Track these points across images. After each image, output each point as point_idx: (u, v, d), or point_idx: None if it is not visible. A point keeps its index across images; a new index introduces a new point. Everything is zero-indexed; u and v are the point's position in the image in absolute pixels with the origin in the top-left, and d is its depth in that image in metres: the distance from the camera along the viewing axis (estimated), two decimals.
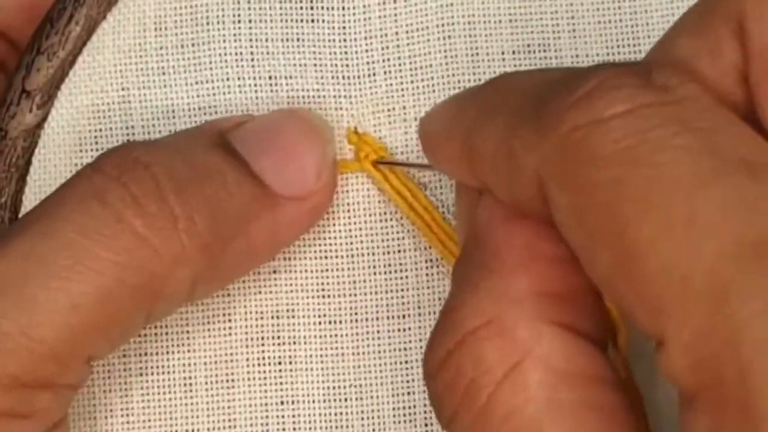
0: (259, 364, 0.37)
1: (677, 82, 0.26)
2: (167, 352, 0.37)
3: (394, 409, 0.37)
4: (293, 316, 0.37)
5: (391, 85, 0.37)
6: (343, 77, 0.37)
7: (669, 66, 0.27)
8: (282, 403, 0.37)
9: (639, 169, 0.25)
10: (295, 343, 0.37)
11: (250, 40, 0.38)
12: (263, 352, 0.37)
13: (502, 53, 0.37)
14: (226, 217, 0.33)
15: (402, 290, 0.37)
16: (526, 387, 0.28)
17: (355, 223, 0.37)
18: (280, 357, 0.37)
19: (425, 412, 0.37)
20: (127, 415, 0.37)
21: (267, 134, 0.35)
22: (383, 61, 0.37)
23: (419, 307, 0.37)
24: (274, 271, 0.37)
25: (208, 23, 0.38)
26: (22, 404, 0.31)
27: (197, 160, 0.34)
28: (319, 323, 0.37)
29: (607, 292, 0.26)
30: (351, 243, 0.37)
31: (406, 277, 0.37)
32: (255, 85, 0.38)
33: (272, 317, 0.37)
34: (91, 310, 0.32)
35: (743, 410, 0.23)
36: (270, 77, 0.38)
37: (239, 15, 0.38)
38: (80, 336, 0.32)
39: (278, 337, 0.37)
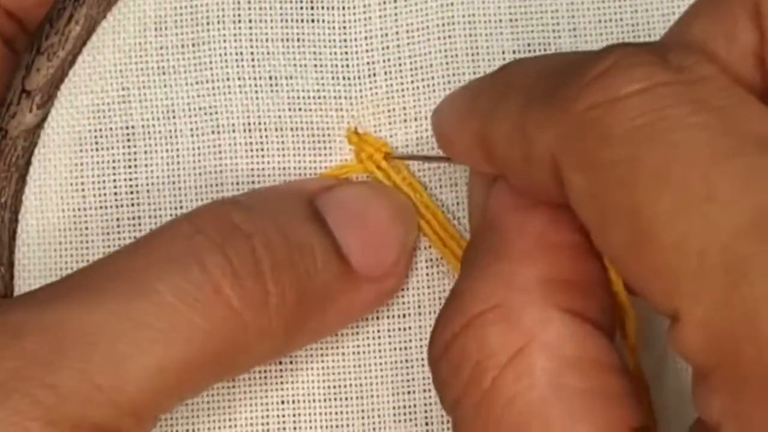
0: None
1: (693, 62, 0.26)
2: None
3: (394, 408, 0.37)
4: None
5: (391, 85, 0.37)
6: (344, 77, 0.37)
7: (685, 47, 0.27)
8: (282, 402, 0.37)
9: (655, 146, 0.25)
10: None
11: (251, 40, 0.37)
12: None
13: (503, 53, 0.37)
14: (311, 295, 0.34)
15: (402, 289, 0.37)
16: (531, 372, 0.28)
17: None
18: None
19: (425, 411, 0.37)
20: None
21: (356, 210, 0.35)
22: (383, 61, 0.37)
23: (419, 307, 0.37)
24: None
25: (208, 23, 0.38)
26: None
27: (292, 233, 0.34)
28: None
29: (622, 270, 0.26)
30: None
31: (407, 276, 0.37)
32: (255, 85, 0.38)
33: None
34: (175, 375, 0.32)
35: (762, 388, 0.23)
36: (270, 77, 0.38)
37: (239, 15, 0.38)
38: (161, 398, 0.32)
39: None
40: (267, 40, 0.37)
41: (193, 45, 0.38)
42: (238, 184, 0.37)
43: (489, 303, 0.29)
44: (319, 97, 0.37)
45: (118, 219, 0.37)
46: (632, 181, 0.25)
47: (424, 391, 0.37)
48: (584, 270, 0.29)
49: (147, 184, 0.37)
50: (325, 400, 0.37)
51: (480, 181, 0.32)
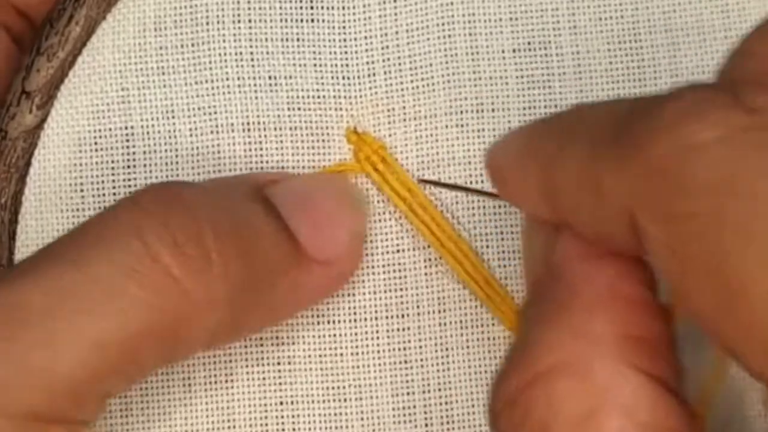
0: (258, 365, 0.37)
1: (765, 102, 0.25)
2: None
3: (393, 409, 0.36)
4: (292, 317, 0.37)
5: (390, 84, 0.37)
6: (343, 77, 0.37)
7: (754, 83, 0.26)
8: (281, 403, 0.37)
9: (739, 198, 0.24)
10: (294, 343, 0.37)
11: (250, 39, 0.37)
12: (262, 352, 0.37)
13: (503, 51, 0.37)
14: (258, 270, 0.33)
15: (401, 289, 0.37)
16: None
17: None
18: (279, 357, 0.37)
19: (425, 412, 0.36)
20: (127, 415, 0.37)
21: (306, 195, 0.35)
22: (383, 60, 0.37)
23: (418, 307, 0.37)
24: None
25: (207, 23, 0.38)
26: None
27: (237, 209, 0.34)
28: (318, 323, 0.37)
29: (710, 331, 0.25)
30: None
31: (405, 276, 0.37)
32: (255, 85, 0.37)
33: None
34: (113, 351, 0.31)
35: None
36: (270, 77, 0.38)
37: (239, 15, 0.38)
38: (100, 375, 0.31)
39: (277, 338, 0.37)
40: (266, 40, 0.37)
41: (193, 45, 0.38)
42: None
43: (558, 357, 0.27)
44: (319, 97, 0.37)
45: None
46: (715, 235, 0.24)
47: (424, 392, 0.36)
48: (657, 328, 0.28)
49: (146, 185, 0.37)
50: (323, 401, 0.37)
51: (539, 231, 0.31)
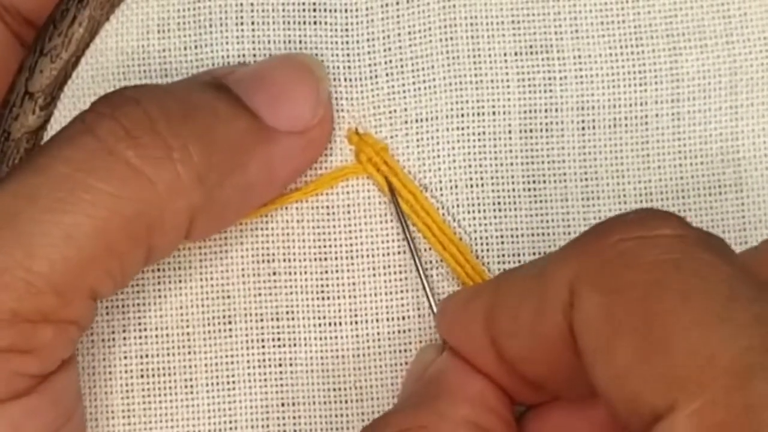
0: (259, 366, 0.37)
1: (718, 237, 0.30)
2: (168, 354, 0.37)
3: None
4: (293, 318, 0.37)
5: (393, 86, 0.37)
6: (345, 79, 0.37)
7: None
8: (283, 405, 0.37)
9: (682, 274, 0.28)
10: (295, 345, 0.37)
11: (253, 42, 0.38)
12: (264, 354, 0.37)
13: (505, 54, 0.37)
14: (221, 147, 0.33)
15: (402, 291, 0.37)
16: None
17: (355, 225, 0.37)
18: (280, 359, 0.37)
19: None
20: (129, 416, 0.37)
21: (260, 73, 0.35)
22: (385, 63, 0.37)
23: (419, 309, 0.37)
24: (274, 273, 0.37)
25: (211, 26, 0.38)
26: (23, 339, 0.31)
27: (190, 97, 0.34)
28: (319, 325, 0.37)
29: (614, 391, 0.28)
30: (351, 244, 0.37)
31: (406, 278, 0.37)
32: None
33: (272, 319, 0.37)
34: (86, 241, 0.31)
35: None
36: None
37: (242, 17, 0.38)
38: (77, 268, 0.31)
39: (278, 339, 0.37)
40: (269, 43, 0.38)
41: (196, 47, 0.38)
42: None
43: (415, 422, 0.30)
44: None
45: None
46: (653, 299, 0.27)
47: None
48: None
49: None
50: (325, 403, 0.37)
51: (424, 355, 0.34)
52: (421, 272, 0.36)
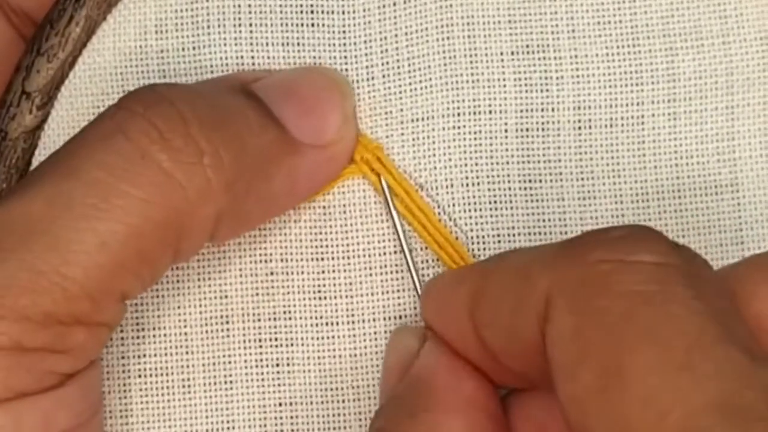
0: (256, 366, 0.37)
1: (702, 261, 0.29)
2: (166, 354, 0.37)
3: None
4: (290, 318, 0.37)
5: (389, 87, 0.37)
6: None
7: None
8: (280, 404, 0.37)
9: (652, 309, 0.27)
10: (292, 344, 0.37)
11: (251, 44, 0.38)
12: (261, 353, 0.37)
13: (501, 54, 0.37)
14: (249, 156, 0.33)
15: (398, 291, 0.37)
16: None
17: (351, 224, 0.37)
18: (277, 359, 0.37)
19: None
20: (127, 416, 0.37)
21: (289, 85, 0.36)
22: (382, 64, 0.38)
23: (416, 308, 0.37)
24: (272, 273, 0.37)
25: (208, 26, 0.38)
26: (57, 340, 0.32)
27: (221, 102, 0.34)
28: (316, 325, 0.37)
29: (572, 411, 0.28)
30: (347, 244, 0.37)
31: (403, 278, 0.37)
32: None
33: (269, 319, 0.37)
34: (119, 248, 0.32)
35: None
36: None
37: (240, 19, 0.38)
38: (110, 274, 0.32)
39: (276, 339, 0.37)
40: (267, 44, 0.38)
41: (194, 48, 0.38)
42: None
43: None
44: None
45: None
46: (621, 330, 0.27)
47: None
48: None
49: None
50: (322, 403, 0.37)
51: (403, 343, 0.34)
52: (411, 267, 0.36)
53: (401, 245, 0.37)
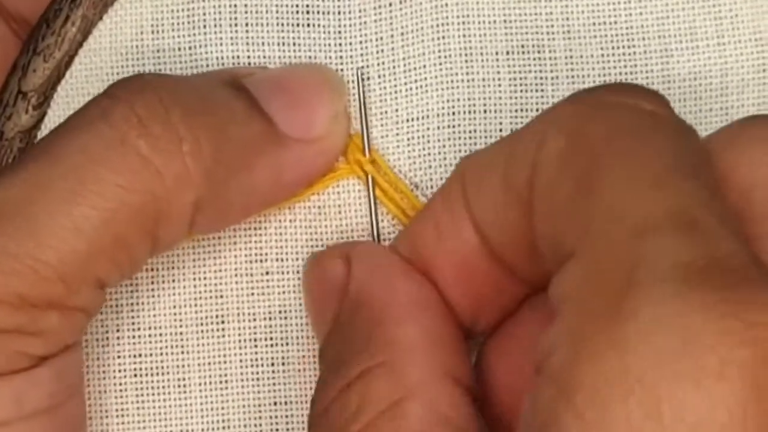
0: (252, 365, 0.37)
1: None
2: (161, 354, 0.37)
3: None
4: (286, 317, 0.37)
5: (384, 87, 0.38)
6: None
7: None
8: (275, 403, 0.37)
9: (635, 138, 0.29)
10: (287, 344, 0.37)
11: (247, 43, 0.38)
12: (256, 353, 0.37)
13: (496, 53, 0.38)
14: (232, 145, 0.34)
15: None
16: (405, 415, 0.30)
17: (346, 224, 0.37)
18: (273, 358, 0.37)
19: None
20: (122, 415, 0.37)
21: (279, 79, 0.36)
22: (378, 64, 0.38)
23: None
24: (267, 272, 0.37)
25: (205, 26, 0.38)
26: (30, 323, 0.32)
27: (208, 92, 0.34)
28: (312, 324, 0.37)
29: (545, 226, 0.29)
30: None
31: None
32: None
33: (265, 318, 0.37)
34: (94, 232, 0.32)
35: (613, 313, 0.25)
36: None
37: (236, 18, 0.38)
38: (85, 258, 0.32)
39: (271, 338, 0.37)
40: (263, 44, 0.38)
41: (190, 48, 0.38)
42: None
43: (375, 360, 0.31)
44: None
45: None
46: (601, 150, 0.28)
47: None
48: (456, 333, 0.32)
49: None
50: None
51: (328, 271, 0.34)
52: None
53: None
